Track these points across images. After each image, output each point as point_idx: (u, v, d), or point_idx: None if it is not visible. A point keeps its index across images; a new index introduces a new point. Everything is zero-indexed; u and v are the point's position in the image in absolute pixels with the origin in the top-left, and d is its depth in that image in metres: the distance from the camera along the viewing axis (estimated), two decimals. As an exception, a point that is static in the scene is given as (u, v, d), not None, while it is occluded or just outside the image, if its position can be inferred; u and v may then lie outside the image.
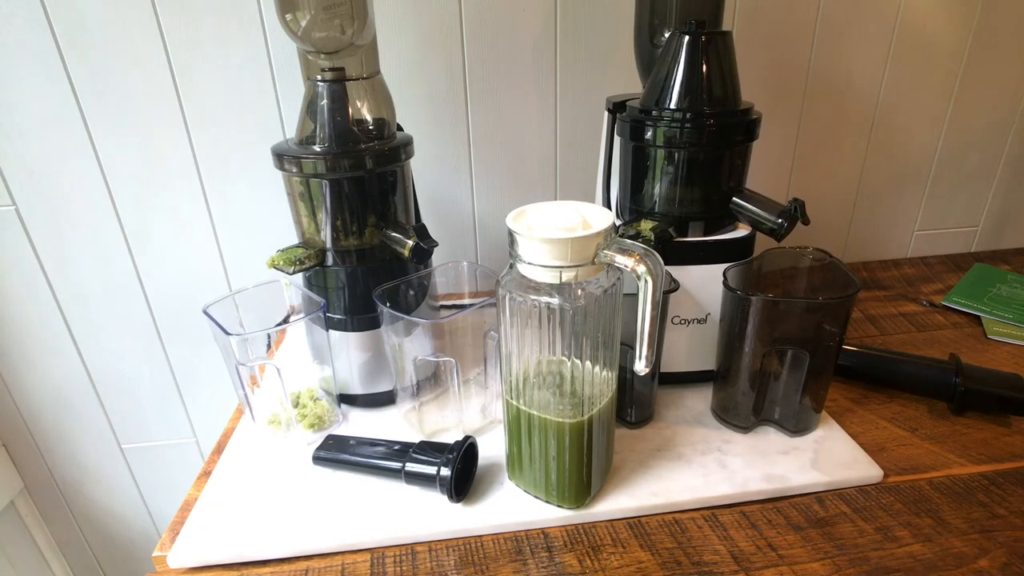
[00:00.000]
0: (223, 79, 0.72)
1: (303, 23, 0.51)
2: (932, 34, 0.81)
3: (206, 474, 0.53)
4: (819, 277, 0.54)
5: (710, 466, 0.51)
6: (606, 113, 0.62)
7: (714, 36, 0.52)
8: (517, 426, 0.47)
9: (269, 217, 0.80)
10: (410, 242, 0.54)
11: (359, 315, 0.57)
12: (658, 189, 0.56)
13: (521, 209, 0.43)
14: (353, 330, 0.57)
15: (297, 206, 0.55)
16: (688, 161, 0.54)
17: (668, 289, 0.52)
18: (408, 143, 0.56)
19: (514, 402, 0.46)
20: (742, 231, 0.57)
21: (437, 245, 0.56)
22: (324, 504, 0.49)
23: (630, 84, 0.74)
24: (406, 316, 0.52)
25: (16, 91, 0.70)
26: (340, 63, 0.53)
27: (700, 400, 0.59)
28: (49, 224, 0.77)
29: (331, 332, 0.58)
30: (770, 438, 0.54)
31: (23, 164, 0.74)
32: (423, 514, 0.48)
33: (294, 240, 0.58)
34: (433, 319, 0.54)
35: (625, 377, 0.53)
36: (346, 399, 0.61)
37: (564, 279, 0.40)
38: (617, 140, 0.60)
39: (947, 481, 0.50)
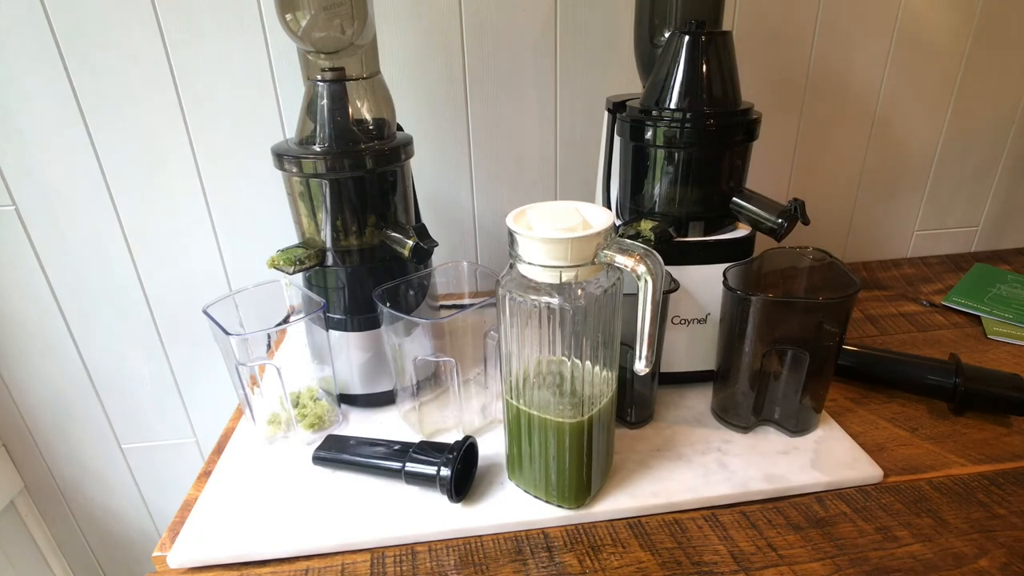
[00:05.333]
0: (223, 79, 0.72)
1: (303, 23, 0.51)
2: (932, 34, 0.81)
3: (206, 474, 0.53)
4: (819, 277, 0.54)
5: (710, 466, 0.51)
6: (606, 113, 0.62)
7: (714, 36, 0.52)
8: (517, 426, 0.47)
9: (269, 217, 0.80)
10: (410, 242, 0.54)
11: (359, 315, 0.57)
12: (658, 189, 0.56)
13: (521, 209, 0.43)
14: (353, 330, 0.57)
15: (297, 206, 0.55)
16: (688, 161, 0.54)
17: (668, 289, 0.52)
18: (408, 143, 0.56)
19: (514, 402, 0.46)
20: (742, 231, 0.57)
21: (437, 245, 0.56)
22: (324, 504, 0.49)
23: (630, 84, 0.74)
24: (406, 316, 0.52)
25: (16, 91, 0.70)
26: (340, 63, 0.53)
27: (700, 400, 0.59)
28: (49, 224, 0.77)
29: (331, 332, 0.58)
30: (770, 438, 0.54)
31: (23, 164, 0.74)
32: (423, 514, 0.48)
33: (294, 240, 0.58)
34: (433, 319, 0.54)
35: (625, 377, 0.53)
36: (346, 399, 0.61)
37: (564, 279, 0.40)
38: (617, 140, 0.60)
39: (947, 481, 0.50)
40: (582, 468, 0.46)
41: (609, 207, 0.62)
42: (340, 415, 0.60)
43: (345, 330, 0.57)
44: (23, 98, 0.71)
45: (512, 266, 0.43)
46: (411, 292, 0.57)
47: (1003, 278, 0.84)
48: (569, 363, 0.42)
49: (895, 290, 0.84)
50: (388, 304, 0.52)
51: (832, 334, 0.50)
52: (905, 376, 0.60)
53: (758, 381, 0.53)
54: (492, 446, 0.54)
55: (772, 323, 0.50)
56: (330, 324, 0.57)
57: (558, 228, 0.40)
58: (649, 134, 0.54)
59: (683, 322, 0.58)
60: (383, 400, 0.61)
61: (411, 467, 0.49)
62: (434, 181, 0.81)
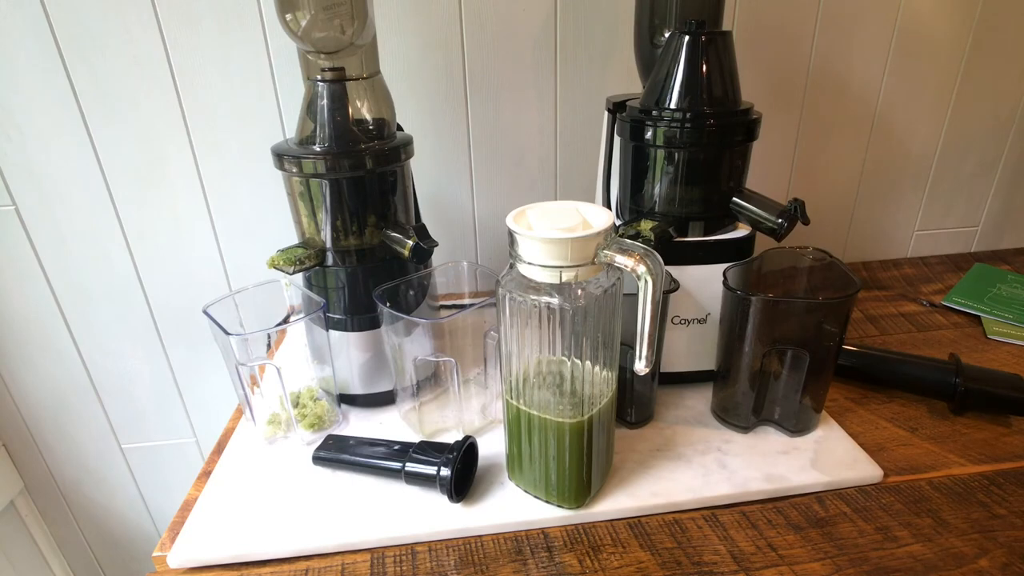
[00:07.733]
0: (223, 79, 0.72)
1: (303, 23, 0.51)
2: (932, 34, 0.81)
3: (206, 474, 0.53)
4: (819, 277, 0.54)
5: (710, 466, 0.51)
6: (606, 113, 0.62)
7: (714, 36, 0.52)
8: (517, 426, 0.47)
9: (269, 217, 0.80)
10: (410, 242, 0.54)
11: (359, 315, 0.57)
12: (658, 189, 0.56)
13: (521, 209, 0.43)
14: (353, 330, 0.57)
15: (297, 206, 0.55)
16: (688, 161, 0.54)
17: (668, 289, 0.52)
18: (408, 143, 0.56)
19: (514, 402, 0.46)
20: (742, 231, 0.57)
21: (437, 245, 0.56)
22: (324, 504, 0.49)
23: (630, 84, 0.74)
24: (406, 316, 0.52)
25: (16, 91, 0.70)
26: (340, 63, 0.53)
27: (700, 400, 0.59)
28: (49, 224, 0.77)
29: (331, 332, 0.58)
30: (770, 438, 0.54)
31: (23, 164, 0.74)
32: (423, 514, 0.48)
33: (294, 240, 0.58)
34: (433, 319, 0.54)
35: (625, 377, 0.53)
36: (346, 399, 0.61)
37: (564, 279, 0.40)
38: (617, 140, 0.60)
39: (947, 481, 0.50)
40: (582, 468, 0.46)
41: (609, 207, 0.62)
42: (340, 415, 0.60)
43: (345, 330, 0.57)
44: (23, 98, 0.71)
45: (512, 266, 0.43)
46: (411, 292, 0.57)
47: (1003, 278, 0.84)
48: (569, 363, 0.42)
49: (895, 290, 0.84)
50: (388, 304, 0.52)
51: (832, 334, 0.50)
52: (905, 376, 0.60)
53: (758, 381, 0.53)
54: (492, 446, 0.54)
55: (772, 323, 0.50)
56: (330, 324, 0.57)
57: (558, 228, 0.40)
58: (649, 134, 0.54)
59: (683, 322, 0.58)
60: (383, 400, 0.61)
61: (411, 467, 0.49)
62: (434, 181, 0.81)
